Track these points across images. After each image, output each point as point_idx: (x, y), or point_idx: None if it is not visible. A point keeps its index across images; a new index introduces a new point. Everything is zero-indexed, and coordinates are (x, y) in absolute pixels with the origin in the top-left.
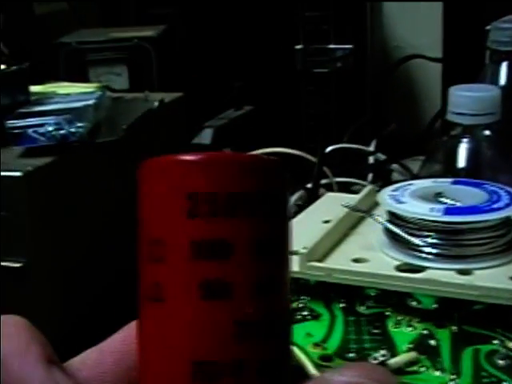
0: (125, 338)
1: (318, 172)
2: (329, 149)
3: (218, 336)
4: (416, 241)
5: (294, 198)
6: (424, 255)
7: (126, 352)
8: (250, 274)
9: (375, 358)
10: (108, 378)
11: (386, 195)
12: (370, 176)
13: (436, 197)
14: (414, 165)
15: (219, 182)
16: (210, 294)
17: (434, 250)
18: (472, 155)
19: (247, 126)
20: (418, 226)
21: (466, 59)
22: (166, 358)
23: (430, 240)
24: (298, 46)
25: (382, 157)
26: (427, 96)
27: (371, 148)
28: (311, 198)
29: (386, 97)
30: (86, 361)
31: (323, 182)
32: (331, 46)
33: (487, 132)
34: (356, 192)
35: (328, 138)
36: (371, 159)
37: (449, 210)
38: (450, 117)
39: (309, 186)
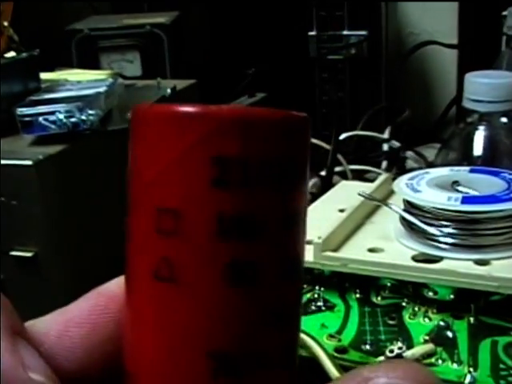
0: (94, 307)
1: (332, 159)
2: (343, 136)
3: (245, 324)
4: (432, 230)
5: (308, 186)
6: (441, 245)
7: (97, 324)
8: (280, 255)
9: (391, 351)
10: (77, 352)
11: (402, 184)
12: (385, 163)
13: (453, 185)
14: (429, 152)
15: (254, 146)
16: (237, 278)
17: (451, 240)
18: (489, 143)
19: None
20: (435, 216)
21: (481, 45)
22: (177, 348)
23: (446, 230)
24: (312, 33)
25: (396, 144)
26: (442, 83)
27: (385, 135)
28: (325, 185)
29: (401, 83)
30: (49, 331)
31: (337, 169)
32: (345, 33)
33: (504, 119)
34: (370, 179)
35: (342, 126)
36: (385, 146)
37: (466, 199)
38: (467, 104)
39: (323, 173)
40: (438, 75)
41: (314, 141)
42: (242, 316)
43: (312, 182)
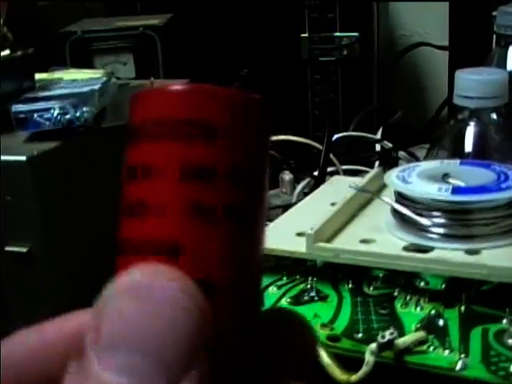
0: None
1: (325, 160)
2: (335, 137)
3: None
4: (424, 221)
5: (300, 186)
6: (432, 235)
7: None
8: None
9: (383, 337)
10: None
11: (393, 176)
12: (377, 164)
13: (444, 178)
14: (421, 152)
15: (151, 111)
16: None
17: (442, 230)
18: (479, 139)
19: None
20: (426, 206)
21: (472, 47)
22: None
23: (437, 220)
24: (304, 35)
25: (388, 145)
26: (434, 84)
27: (378, 136)
28: (318, 185)
29: (393, 85)
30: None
31: (330, 169)
32: (337, 34)
33: (494, 115)
34: None
35: (334, 127)
36: (378, 147)
37: (457, 190)
38: (457, 100)
39: (315, 173)
40: (429, 76)
41: (307, 141)
42: None
43: (305, 182)
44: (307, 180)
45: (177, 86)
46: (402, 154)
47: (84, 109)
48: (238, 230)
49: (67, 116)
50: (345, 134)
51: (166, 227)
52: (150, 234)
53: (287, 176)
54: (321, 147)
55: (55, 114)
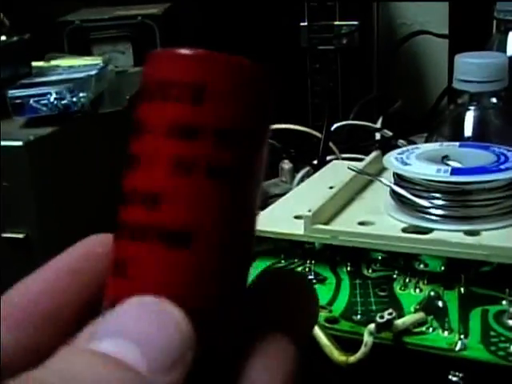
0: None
1: (324, 148)
2: (335, 125)
3: None
4: (423, 202)
5: (300, 175)
6: (431, 217)
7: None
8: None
9: (382, 317)
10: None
11: (392, 158)
12: None
13: (443, 160)
14: (421, 141)
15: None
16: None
17: (441, 212)
18: (479, 123)
19: None
20: (425, 188)
21: (472, 35)
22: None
23: (436, 201)
24: (303, 23)
25: (388, 133)
26: (434, 72)
27: (378, 125)
28: None
29: (392, 73)
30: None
31: (329, 158)
32: (336, 23)
33: (494, 100)
34: None
35: (334, 115)
36: (378, 136)
37: (456, 171)
38: (457, 85)
39: (315, 162)
40: (429, 65)
41: (307, 130)
42: None
43: (304, 170)
44: (307, 169)
45: (173, 50)
46: (401, 142)
47: (80, 94)
48: (219, 187)
49: (64, 101)
50: (344, 122)
51: (149, 179)
52: (138, 184)
53: (287, 165)
54: (320, 136)
55: (52, 99)
